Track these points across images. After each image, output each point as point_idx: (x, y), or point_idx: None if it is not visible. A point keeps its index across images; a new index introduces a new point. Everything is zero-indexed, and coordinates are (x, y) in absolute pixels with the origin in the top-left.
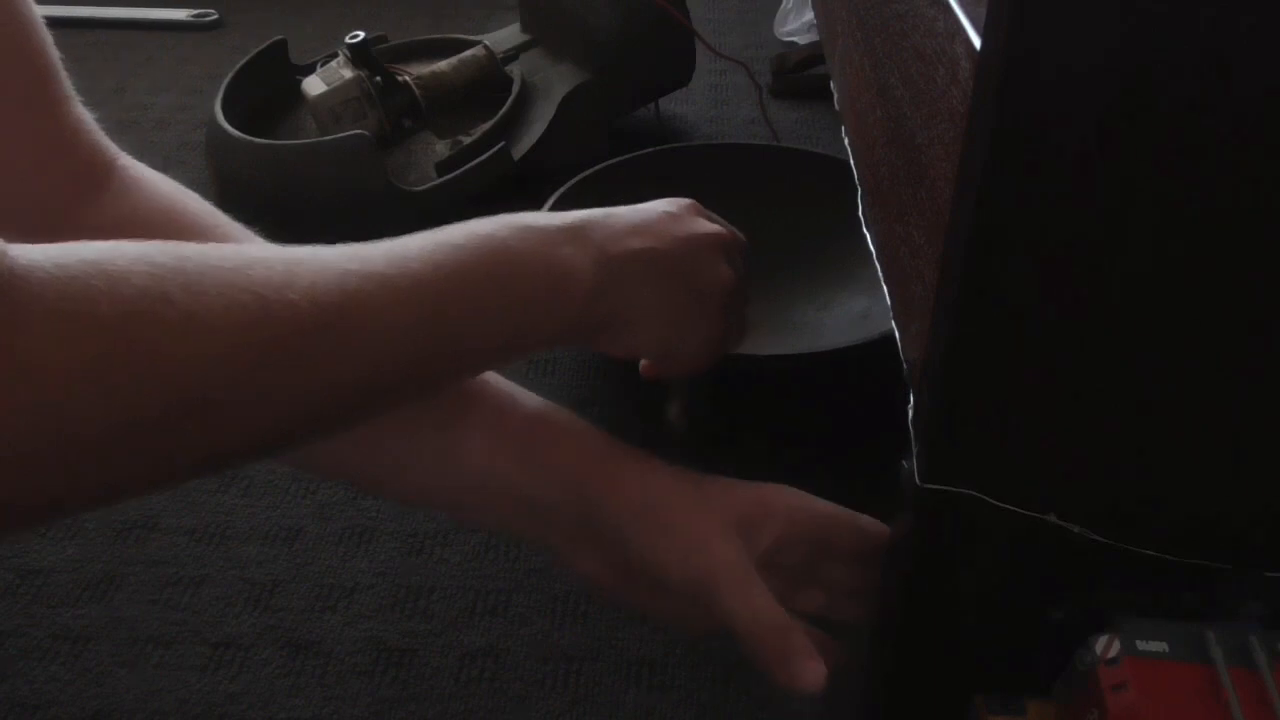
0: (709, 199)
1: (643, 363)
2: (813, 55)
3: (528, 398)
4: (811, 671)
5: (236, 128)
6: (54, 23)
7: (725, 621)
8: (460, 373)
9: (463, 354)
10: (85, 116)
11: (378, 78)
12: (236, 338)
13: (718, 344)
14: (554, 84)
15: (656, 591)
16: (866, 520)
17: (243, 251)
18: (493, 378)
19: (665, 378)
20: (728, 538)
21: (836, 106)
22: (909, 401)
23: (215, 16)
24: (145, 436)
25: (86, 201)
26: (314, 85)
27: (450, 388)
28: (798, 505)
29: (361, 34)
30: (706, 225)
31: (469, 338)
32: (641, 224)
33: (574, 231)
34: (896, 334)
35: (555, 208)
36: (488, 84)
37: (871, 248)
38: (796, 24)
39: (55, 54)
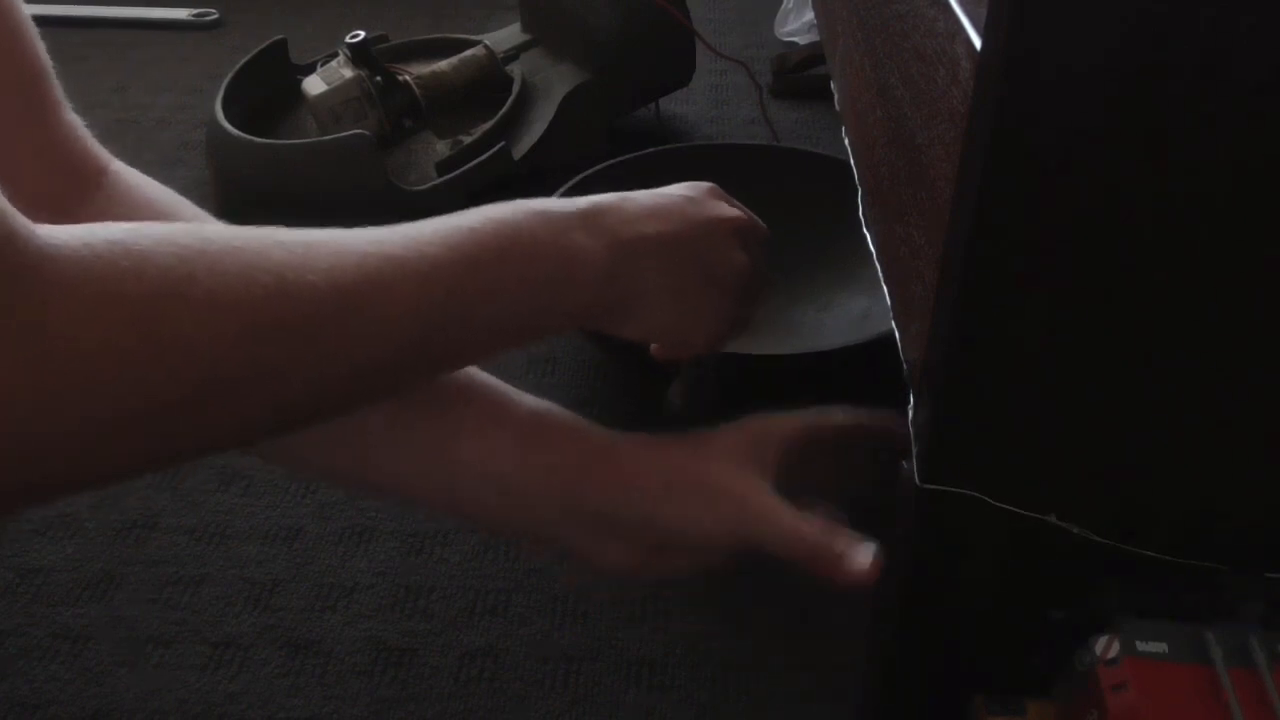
0: None
1: (653, 345)
2: (813, 55)
3: (523, 398)
4: (862, 555)
5: (237, 127)
6: (55, 22)
7: (772, 551)
8: (473, 355)
9: (476, 336)
10: (76, 122)
11: (378, 77)
12: (258, 318)
13: (729, 328)
14: (554, 84)
15: (688, 553)
16: (835, 413)
17: (262, 234)
18: (488, 379)
19: (676, 360)
20: (747, 479)
21: (837, 106)
22: (909, 401)
23: (215, 16)
24: (167, 413)
25: (78, 206)
26: (314, 85)
27: (467, 365)
28: (781, 426)
29: (361, 34)
30: (725, 210)
31: (482, 320)
32: (657, 208)
33: (587, 216)
34: (896, 334)
35: None
36: (488, 84)
37: (871, 248)
38: (797, 24)
39: (47, 60)
